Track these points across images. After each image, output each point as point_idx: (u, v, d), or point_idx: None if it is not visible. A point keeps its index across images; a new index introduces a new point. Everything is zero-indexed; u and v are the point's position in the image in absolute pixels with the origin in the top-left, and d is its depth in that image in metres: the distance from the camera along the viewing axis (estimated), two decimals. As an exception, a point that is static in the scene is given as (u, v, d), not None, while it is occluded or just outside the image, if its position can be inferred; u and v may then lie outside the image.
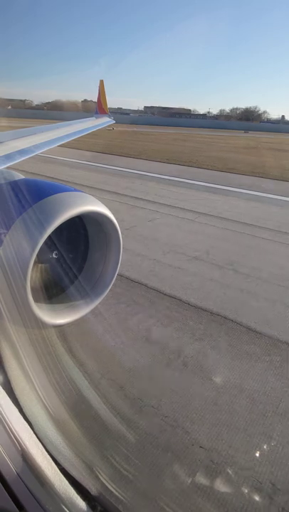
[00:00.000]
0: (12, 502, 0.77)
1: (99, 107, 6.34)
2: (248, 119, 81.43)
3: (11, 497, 0.78)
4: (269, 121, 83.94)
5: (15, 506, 0.77)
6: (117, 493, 1.07)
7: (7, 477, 0.78)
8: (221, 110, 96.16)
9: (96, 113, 6.29)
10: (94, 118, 5.81)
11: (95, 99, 6.51)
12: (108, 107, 6.42)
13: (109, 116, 6.14)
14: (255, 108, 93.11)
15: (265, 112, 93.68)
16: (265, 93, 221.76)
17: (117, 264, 1.86)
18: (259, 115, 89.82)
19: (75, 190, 1.70)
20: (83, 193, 1.70)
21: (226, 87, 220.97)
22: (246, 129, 53.76)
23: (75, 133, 3.69)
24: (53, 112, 59.17)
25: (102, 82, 6.43)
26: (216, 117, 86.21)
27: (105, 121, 5.65)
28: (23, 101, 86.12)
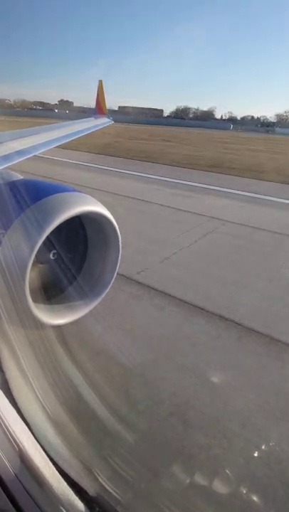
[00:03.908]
0: (10, 503, 0.77)
1: (98, 108, 6.33)
2: (182, 118, 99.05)
3: (8, 498, 0.77)
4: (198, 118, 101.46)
5: (13, 508, 0.77)
6: (115, 494, 1.06)
7: (5, 478, 0.78)
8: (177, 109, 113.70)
9: (95, 113, 6.28)
10: (93, 118, 5.81)
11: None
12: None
13: (108, 117, 6.14)
14: (210, 108, 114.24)
15: (228, 112, 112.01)
16: (265, 93, 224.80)
17: (116, 264, 1.86)
18: (190, 113, 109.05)
19: (74, 190, 1.70)
20: (82, 193, 1.70)
21: (225, 86, 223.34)
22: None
23: (73, 133, 3.69)
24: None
25: (101, 82, 6.42)
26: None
27: (104, 121, 5.65)
28: (3, 100, 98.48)
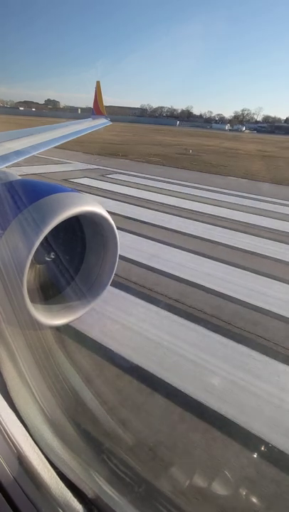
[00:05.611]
0: (8, 505, 0.76)
1: (95, 108, 6.33)
2: (141, 116, 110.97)
3: (7, 501, 0.77)
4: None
5: (11, 510, 0.76)
6: (114, 496, 1.06)
7: (3, 480, 0.77)
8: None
9: (93, 114, 6.28)
10: (90, 119, 5.81)
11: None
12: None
13: (106, 118, 6.13)
14: (186, 107, 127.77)
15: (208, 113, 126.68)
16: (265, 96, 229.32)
17: (114, 265, 1.86)
18: (163, 111, 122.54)
19: (72, 190, 1.70)
20: (80, 194, 1.69)
21: (227, 89, 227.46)
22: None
23: (71, 134, 3.68)
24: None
25: (98, 83, 6.42)
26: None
27: (102, 122, 5.64)
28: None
